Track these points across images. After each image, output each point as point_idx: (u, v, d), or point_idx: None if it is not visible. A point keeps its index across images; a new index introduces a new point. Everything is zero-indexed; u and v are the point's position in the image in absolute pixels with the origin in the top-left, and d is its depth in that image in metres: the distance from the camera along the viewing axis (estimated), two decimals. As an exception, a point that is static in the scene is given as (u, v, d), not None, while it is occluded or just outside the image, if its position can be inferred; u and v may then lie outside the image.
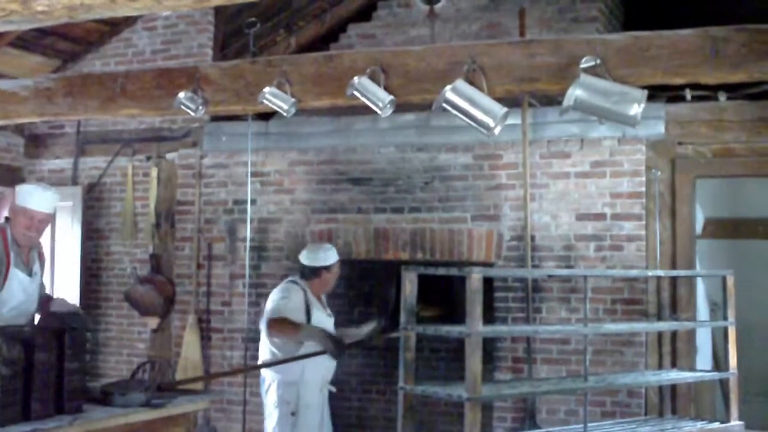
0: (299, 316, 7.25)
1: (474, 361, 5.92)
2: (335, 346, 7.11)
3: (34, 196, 6.53)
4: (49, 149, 11.04)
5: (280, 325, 7.21)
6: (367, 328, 7.75)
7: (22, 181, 10.96)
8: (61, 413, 5.19)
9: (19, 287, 6.50)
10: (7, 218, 6.60)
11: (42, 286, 6.89)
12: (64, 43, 10.47)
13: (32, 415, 4.98)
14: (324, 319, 7.39)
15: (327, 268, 7.50)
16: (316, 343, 7.12)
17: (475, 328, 5.91)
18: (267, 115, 9.22)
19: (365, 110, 6.44)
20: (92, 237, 10.56)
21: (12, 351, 4.88)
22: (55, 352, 5.21)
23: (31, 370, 5.02)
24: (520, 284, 8.55)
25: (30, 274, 6.62)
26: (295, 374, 7.27)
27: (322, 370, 7.29)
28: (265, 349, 7.41)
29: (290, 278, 7.62)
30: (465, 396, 5.92)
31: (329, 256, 7.56)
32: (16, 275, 6.47)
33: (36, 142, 11.09)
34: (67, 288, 10.33)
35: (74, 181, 10.74)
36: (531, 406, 8.38)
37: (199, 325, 9.69)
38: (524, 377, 8.32)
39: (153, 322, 9.98)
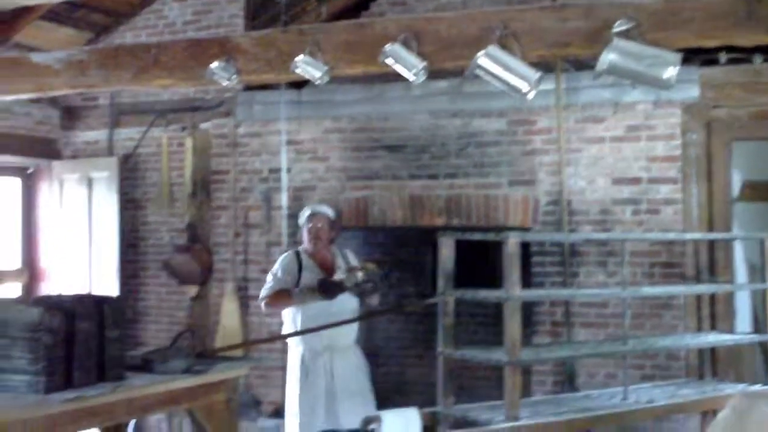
0: (287, 284, 7.44)
1: (513, 326, 5.93)
2: (323, 293, 7.20)
3: None
4: (84, 121, 11.09)
5: (272, 303, 7.48)
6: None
7: (58, 153, 11.04)
8: (103, 381, 5.23)
9: None
10: None
11: None
12: (96, 16, 10.50)
13: (75, 383, 5.03)
14: (313, 278, 7.41)
15: (302, 227, 7.66)
16: (309, 301, 7.27)
17: (513, 292, 5.91)
18: (300, 84, 9.21)
19: (398, 77, 6.42)
20: (129, 207, 10.62)
21: (53, 320, 4.93)
22: (96, 321, 5.25)
23: (73, 339, 5.07)
24: (557, 249, 8.54)
25: None
26: (295, 340, 7.43)
27: (322, 335, 7.29)
28: (285, 316, 7.56)
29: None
30: (504, 360, 5.92)
31: (302, 215, 7.72)
32: None
33: (71, 114, 11.14)
34: (106, 259, 10.42)
35: (110, 153, 10.79)
36: (570, 370, 8.39)
37: (238, 292, 9.74)
38: (563, 341, 8.33)
39: (191, 290, 10.05)
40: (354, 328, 7.51)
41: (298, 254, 7.63)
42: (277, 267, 7.65)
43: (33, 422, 4.66)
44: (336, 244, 7.77)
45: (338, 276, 7.39)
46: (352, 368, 7.50)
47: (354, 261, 7.62)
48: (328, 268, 7.54)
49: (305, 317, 7.39)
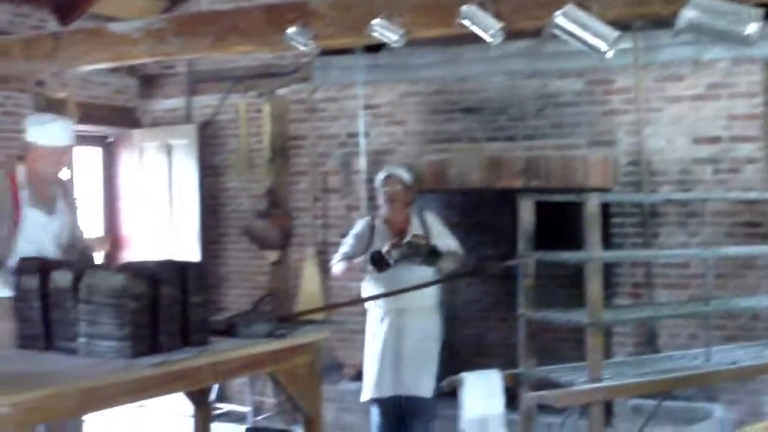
0: (356, 250, 7.52)
1: (594, 287, 5.89)
2: (373, 265, 7.26)
3: (58, 131, 6.48)
4: (162, 89, 11.19)
5: (336, 270, 7.64)
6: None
7: (137, 121, 11.15)
8: (188, 346, 5.29)
9: (37, 227, 6.42)
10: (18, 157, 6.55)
11: (73, 226, 6.79)
12: (172, -17, 10.59)
13: (160, 348, 5.08)
14: (381, 244, 7.40)
15: (378, 190, 7.66)
16: (367, 271, 7.40)
17: (594, 253, 5.88)
18: (376, 48, 9.20)
19: (474, 39, 6.39)
20: (208, 174, 10.71)
21: (138, 286, 4.99)
22: (179, 286, 5.31)
23: (157, 305, 5.13)
24: (637, 210, 8.47)
25: (51, 212, 6.55)
26: (371, 302, 7.50)
27: (392, 298, 7.31)
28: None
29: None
30: (586, 321, 5.90)
31: (378, 178, 7.70)
32: (32, 215, 6.41)
33: (149, 82, 11.25)
34: (187, 225, 10.53)
35: (188, 120, 10.88)
36: (651, 331, 8.34)
37: (317, 257, 9.79)
38: (644, 302, 8.27)
39: (272, 255, 10.12)
40: (428, 292, 7.44)
41: (372, 219, 7.66)
42: (350, 233, 7.72)
43: (121, 386, 4.73)
44: (415, 207, 7.76)
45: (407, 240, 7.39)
46: (420, 334, 7.46)
47: (435, 223, 7.60)
48: (399, 233, 7.50)
49: (377, 280, 7.43)
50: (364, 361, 7.54)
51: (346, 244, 7.64)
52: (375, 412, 7.56)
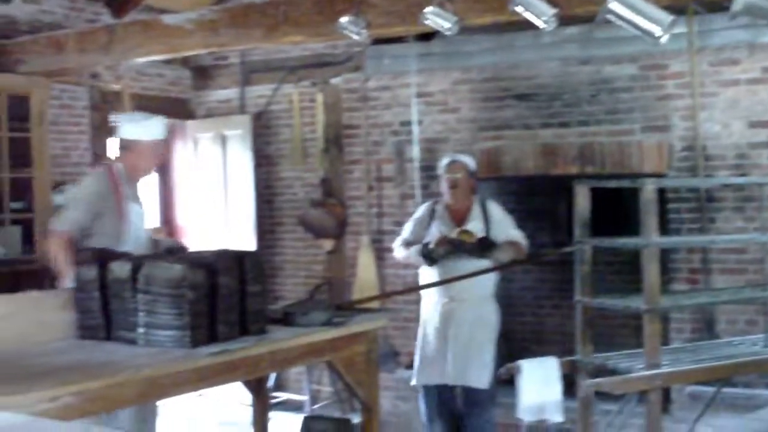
0: (416, 238, 7.54)
1: (651, 273, 5.86)
2: (424, 258, 7.33)
3: (156, 126, 6.76)
4: (215, 80, 11.25)
5: (400, 258, 7.72)
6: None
7: (191, 113, 11.22)
8: (246, 335, 5.32)
9: (138, 219, 6.72)
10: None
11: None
12: (225, -25, 10.61)
13: (219, 337, 5.12)
14: (438, 233, 7.41)
15: (440, 176, 7.68)
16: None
17: (651, 239, 5.85)
18: (428, 36, 9.20)
19: (527, 25, 6.37)
20: (263, 164, 10.75)
21: (196, 276, 5.02)
22: (237, 275, 5.34)
23: (215, 294, 5.16)
24: (693, 195, 8.41)
25: (142, 205, 6.88)
26: (423, 291, 7.52)
27: (443, 287, 7.33)
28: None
29: None
30: (643, 307, 5.87)
31: (441, 164, 7.72)
32: (134, 209, 6.68)
33: (202, 73, 11.31)
34: (241, 215, 10.58)
35: (242, 110, 10.93)
36: (709, 317, 8.28)
37: (372, 245, 9.81)
38: (701, 288, 8.22)
39: (327, 244, 10.15)
40: (483, 281, 7.39)
41: (433, 204, 7.66)
42: (411, 218, 7.76)
43: (181, 375, 4.76)
44: (478, 195, 7.76)
45: (468, 227, 7.39)
46: (472, 324, 7.42)
47: (496, 212, 7.58)
48: (459, 220, 7.52)
49: (436, 268, 7.43)
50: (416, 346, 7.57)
51: (407, 229, 7.68)
52: (422, 399, 7.58)
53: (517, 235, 7.52)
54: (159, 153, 6.91)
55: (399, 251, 7.64)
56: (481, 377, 7.32)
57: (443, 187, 7.60)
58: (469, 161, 7.69)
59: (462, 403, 7.48)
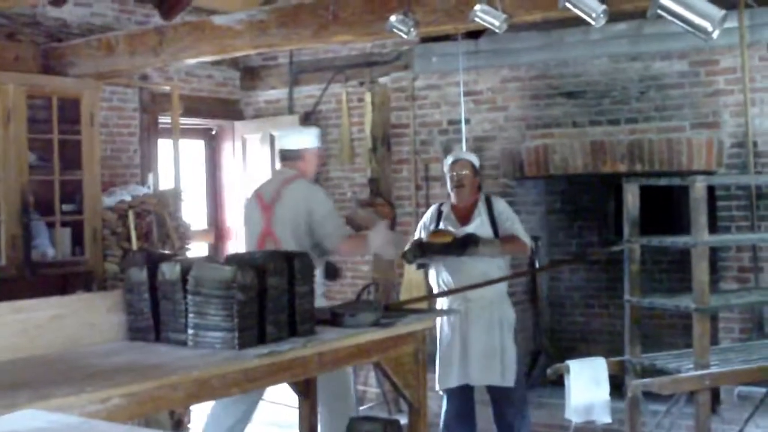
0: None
1: (701, 271, 5.83)
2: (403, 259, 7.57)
3: (316, 134, 7.47)
4: (264, 80, 11.30)
5: None
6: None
7: (240, 113, 11.27)
8: (295, 336, 5.34)
9: None
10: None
11: None
12: (273, -25, 10.66)
13: (267, 338, 5.13)
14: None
15: (446, 175, 7.71)
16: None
17: (701, 237, 5.81)
18: (477, 34, 9.19)
19: (575, 22, 6.34)
20: (311, 164, 10.77)
21: (246, 277, 5.04)
22: (286, 276, 5.36)
23: (264, 295, 5.18)
24: (744, 192, 8.34)
25: None
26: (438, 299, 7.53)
27: (449, 297, 7.39)
28: None
29: None
30: (693, 307, 5.84)
31: (445, 163, 7.74)
32: None
33: (251, 74, 11.36)
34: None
35: (290, 111, 10.96)
36: (759, 316, 8.21)
37: (421, 245, 9.80)
38: (751, 286, 8.15)
39: (375, 244, 10.15)
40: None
41: (440, 206, 7.70)
42: (420, 223, 7.81)
43: (230, 376, 4.79)
44: (483, 192, 7.77)
45: (471, 226, 7.43)
46: (488, 323, 7.40)
47: (502, 209, 7.56)
48: (463, 219, 7.53)
49: (442, 268, 7.47)
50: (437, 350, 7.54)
51: (418, 232, 7.71)
52: (445, 402, 7.58)
53: (517, 229, 7.48)
54: (320, 159, 7.55)
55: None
56: (506, 376, 7.33)
57: (448, 186, 7.61)
58: (474, 159, 7.71)
59: (492, 405, 7.48)
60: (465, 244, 7.20)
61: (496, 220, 7.47)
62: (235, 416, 6.94)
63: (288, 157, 7.22)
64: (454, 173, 7.53)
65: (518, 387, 7.40)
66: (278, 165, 7.53)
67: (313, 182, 7.52)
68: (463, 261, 7.26)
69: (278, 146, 7.39)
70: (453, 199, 7.59)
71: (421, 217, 9.13)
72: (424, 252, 7.31)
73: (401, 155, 10.09)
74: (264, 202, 7.06)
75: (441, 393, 7.55)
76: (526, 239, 7.49)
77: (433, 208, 7.79)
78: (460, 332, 7.37)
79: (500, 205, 7.60)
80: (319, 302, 6.37)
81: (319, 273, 6.93)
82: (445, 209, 7.59)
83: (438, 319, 7.45)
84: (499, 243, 7.33)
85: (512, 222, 7.51)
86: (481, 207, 7.53)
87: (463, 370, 7.35)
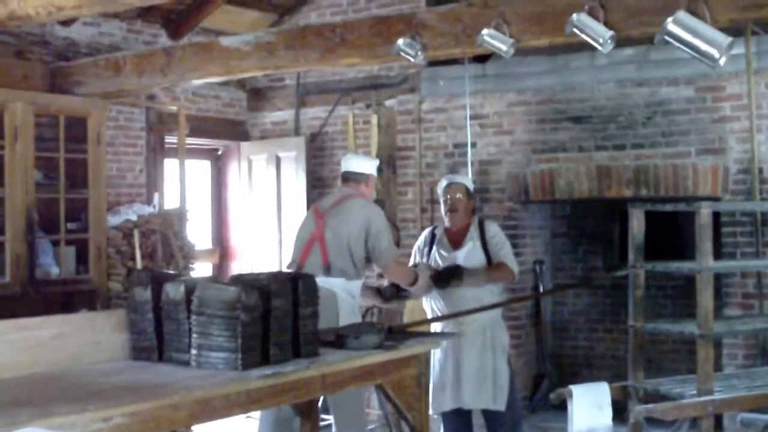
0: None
1: (705, 297, 5.83)
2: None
3: (377, 164, 7.78)
4: (271, 102, 11.32)
5: None
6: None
7: (246, 134, 11.29)
8: (298, 357, 5.33)
9: None
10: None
11: None
12: (280, -3, 10.71)
13: (271, 359, 5.13)
14: (437, 257, 7.51)
15: (439, 199, 7.74)
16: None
17: (706, 263, 5.81)
18: (483, 58, 9.20)
19: (582, 47, 6.37)
20: (317, 185, 10.78)
21: (250, 298, 5.04)
22: (290, 298, 5.35)
23: (269, 317, 5.17)
24: (749, 218, 8.33)
25: None
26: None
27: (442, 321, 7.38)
28: None
29: None
30: (697, 332, 5.83)
31: (439, 186, 7.78)
32: None
33: (258, 95, 11.38)
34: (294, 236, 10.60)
35: (296, 132, 10.97)
36: (763, 343, 8.19)
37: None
38: (755, 313, 8.13)
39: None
40: (488, 303, 7.42)
41: (434, 229, 7.73)
42: (414, 247, 7.82)
43: (232, 397, 4.78)
44: (478, 215, 7.79)
45: (463, 250, 7.47)
46: (481, 346, 7.40)
47: (494, 233, 7.56)
48: (456, 243, 7.55)
49: (434, 293, 7.50)
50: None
51: (412, 257, 7.73)
52: (442, 428, 7.56)
53: (509, 259, 7.50)
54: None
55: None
56: (497, 399, 7.33)
57: (442, 209, 7.62)
58: (468, 182, 7.75)
59: (487, 428, 7.48)
60: (448, 279, 7.23)
61: (488, 244, 7.48)
62: None
63: (352, 178, 7.41)
64: (448, 197, 7.56)
65: (510, 410, 7.39)
66: (339, 184, 7.78)
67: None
68: (457, 289, 7.30)
69: (345, 167, 7.51)
70: (447, 222, 7.60)
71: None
72: (396, 292, 7.37)
73: (407, 178, 10.09)
74: (320, 211, 7.25)
75: (436, 417, 7.53)
76: (514, 267, 7.52)
77: (426, 232, 7.81)
78: (453, 356, 7.37)
79: (492, 229, 7.60)
80: (350, 318, 6.75)
81: (357, 290, 7.14)
82: (438, 232, 7.62)
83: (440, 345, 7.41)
84: (484, 272, 7.36)
85: (502, 248, 7.52)
86: (474, 231, 7.54)
87: (456, 393, 7.35)
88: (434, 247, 7.52)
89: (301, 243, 7.20)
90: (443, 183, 7.67)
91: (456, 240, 7.53)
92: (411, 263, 7.65)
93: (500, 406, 7.32)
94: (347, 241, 6.99)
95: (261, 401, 5.07)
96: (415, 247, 7.76)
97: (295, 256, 7.19)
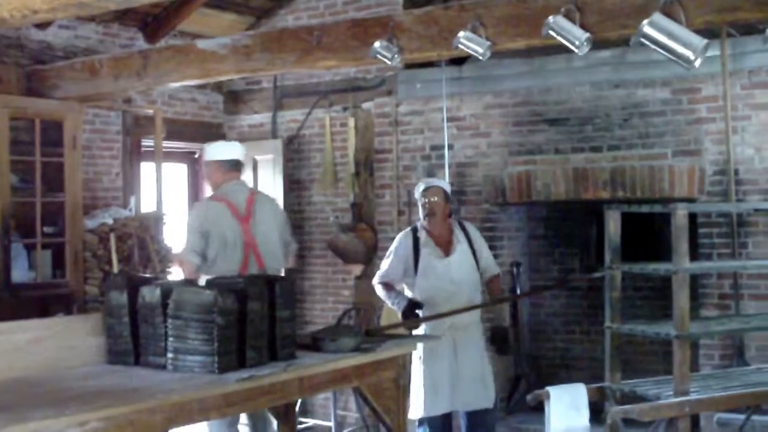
0: (396, 273, 7.57)
1: (681, 299, 5.84)
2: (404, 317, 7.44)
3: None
4: (248, 105, 11.31)
5: (380, 295, 7.74)
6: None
7: (223, 137, 11.28)
8: (275, 360, 5.34)
9: None
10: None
11: None
12: (257, 0, 10.68)
13: (248, 363, 5.13)
14: (432, 263, 7.45)
15: (417, 202, 7.76)
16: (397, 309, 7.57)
17: (682, 264, 5.83)
18: (460, 60, 9.20)
19: (559, 49, 6.38)
20: (294, 188, 10.79)
21: (226, 301, 5.04)
22: (267, 301, 5.35)
23: (245, 320, 5.17)
24: (725, 219, 8.35)
25: None
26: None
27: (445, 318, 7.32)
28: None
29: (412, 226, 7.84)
30: (673, 334, 5.85)
31: (417, 189, 7.75)
32: None
33: (234, 98, 11.37)
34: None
35: (274, 135, 10.97)
36: (739, 343, 8.21)
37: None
38: (732, 314, 8.16)
39: (357, 269, 10.15)
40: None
41: (415, 231, 7.63)
42: (392, 249, 7.70)
43: (209, 401, 4.78)
44: (455, 218, 7.84)
45: (455, 254, 7.49)
46: (475, 348, 7.48)
47: (476, 235, 7.67)
48: (445, 245, 7.55)
49: (422, 291, 7.46)
50: (413, 377, 7.49)
51: (386, 262, 7.66)
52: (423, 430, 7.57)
53: (493, 263, 7.77)
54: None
55: (379, 288, 7.67)
56: (489, 397, 7.45)
57: (420, 213, 7.63)
58: (445, 185, 7.77)
59: (468, 428, 7.49)
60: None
61: (474, 248, 7.53)
62: None
63: (239, 168, 7.70)
64: (426, 200, 7.55)
65: (495, 408, 7.48)
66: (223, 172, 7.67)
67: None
68: (451, 291, 7.32)
69: (232, 155, 7.67)
70: (426, 225, 7.59)
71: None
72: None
73: (384, 180, 10.08)
74: (238, 213, 7.44)
75: (417, 421, 7.52)
76: (498, 269, 7.79)
77: (406, 236, 7.68)
78: (448, 359, 7.35)
79: (475, 233, 7.69)
80: None
81: None
82: (422, 236, 7.56)
83: (422, 347, 7.41)
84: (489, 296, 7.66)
85: (488, 253, 7.71)
86: (459, 235, 7.58)
87: (453, 396, 7.36)
88: (422, 252, 7.48)
89: (236, 252, 7.30)
90: (421, 187, 7.66)
91: (443, 244, 7.54)
92: (384, 271, 7.63)
93: (491, 402, 7.44)
94: (276, 242, 7.37)
95: (238, 405, 5.07)
96: (394, 256, 7.62)
97: (229, 266, 7.21)
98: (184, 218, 7.57)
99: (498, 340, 9.05)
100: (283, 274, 7.76)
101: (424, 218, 7.57)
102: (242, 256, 7.24)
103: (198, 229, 7.31)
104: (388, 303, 7.62)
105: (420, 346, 7.32)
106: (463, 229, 7.62)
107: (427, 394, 7.34)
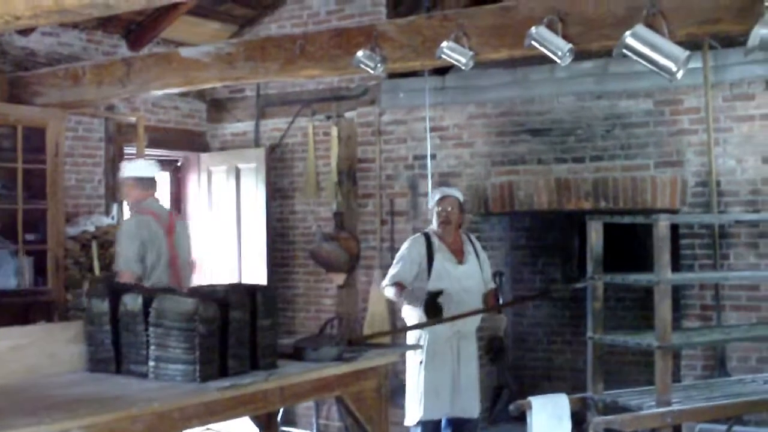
0: (409, 276, 7.51)
1: (663, 309, 5.85)
2: (427, 312, 7.33)
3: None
4: (231, 113, 11.29)
5: (391, 297, 7.71)
6: None
7: (206, 145, 11.26)
8: (256, 369, 5.33)
9: None
10: None
11: None
12: (241, 9, 10.68)
13: (229, 372, 5.13)
14: (447, 267, 7.48)
15: (431, 209, 7.74)
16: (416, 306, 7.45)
17: (664, 275, 5.84)
18: (443, 70, 9.21)
19: (542, 60, 6.38)
20: (276, 197, 10.77)
21: (208, 310, 5.03)
22: (249, 310, 5.34)
23: (227, 329, 5.17)
24: (707, 231, 8.37)
25: None
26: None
27: (438, 326, 7.32)
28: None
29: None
30: (655, 344, 5.86)
31: (432, 197, 7.78)
32: None
33: (217, 106, 11.36)
34: (254, 248, 10.57)
35: (256, 143, 10.95)
36: (721, 354, 8.23)
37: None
38: (713, 325, 8.18)
39: (339, 278, 10.14)
40: (477, 316, 7.59)
41: (428, 237, 7.63)
42: (404, 252, 7.67)
43: (190, 409, 4.77)
44: (462, 230, 7.86)
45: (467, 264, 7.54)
46: (473, 357, 7.57)
47: (480, 249, 7.76)
48: (458, 252, 7.59)
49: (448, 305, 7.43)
50: (408, 383, 7.51)
51: (402, 266, 7.61)
52: None
53: (490, 275, 7.84)
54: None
55: (389, 291, 7.62)
56: (478, 406, 7.56)
57: (434, 220, 7.65)
58: (460, 195, 7.78)
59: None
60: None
61: (480, 261, 7.67)
62: None
63: (155, 186, 8.01)
64: (441, 209, 7.58)
65: (478, 418, 7.54)
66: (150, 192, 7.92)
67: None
68: (462, 297, 7.37)
69: (149, 173, 7.97)
70: (438, 231, 7.62)
71: (386, 251, 9.16)
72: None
73: (367, 189, 10.09)
74: (162, 226, 7.69)
75: (411, 427, 7.54)
76: (494, 284, 7.87)
77: (419, 239, 7.67)
78: (451, 365, 7.40)
79: (479, 246, 7.81)
80: None
81: None
82: (435, 241, 7.57)
83: (424, 351, 7.42)
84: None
85: (488, 267, 7.82)
86: (469, 246, 7.68)
87: (454, 402, 7.40)
88: (437, 256, 7.50)
89: (166, 263, 7.47)
90: (436, 195, 7.70)
91: (456, 252, 7.60)
92: (395, 273, 7.61)
93: (477, 412, 7.53)
94: (185, 260, 7.76)
95: (219, 413, 5.06)
96: (405, 259, 7.61)
97: (161, 277, 7.36)
98: (118, 233, 7.80)
99: (492, 350, 9.04)
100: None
101: (438, 226, 7.59)
102: (169, 267, 7.36)
103: (136, 238, 7.45)
104: (401, 302, 7.56)
105: (421, 351, 7.37)
106: (470, 241, 7.72)
107: (428, 398, 7.37)
